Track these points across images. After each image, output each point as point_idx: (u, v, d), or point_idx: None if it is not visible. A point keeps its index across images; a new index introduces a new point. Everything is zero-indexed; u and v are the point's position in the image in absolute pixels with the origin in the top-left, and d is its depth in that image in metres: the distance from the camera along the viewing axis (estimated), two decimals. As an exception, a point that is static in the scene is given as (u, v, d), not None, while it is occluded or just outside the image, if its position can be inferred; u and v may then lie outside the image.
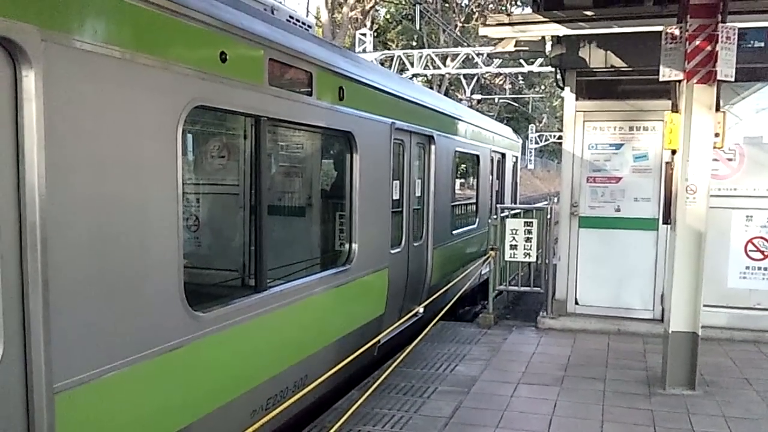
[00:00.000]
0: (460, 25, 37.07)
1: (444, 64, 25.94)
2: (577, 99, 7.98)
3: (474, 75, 27.66)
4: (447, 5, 37.86)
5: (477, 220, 10.44)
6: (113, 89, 3.03)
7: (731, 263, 7.52)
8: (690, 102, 5.48)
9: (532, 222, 8.35)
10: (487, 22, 7.43)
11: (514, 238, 8.34)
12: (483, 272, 9.92)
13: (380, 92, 6.30)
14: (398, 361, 5.83)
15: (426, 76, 27.87)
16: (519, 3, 35.81)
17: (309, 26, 5.79)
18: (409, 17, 34.55)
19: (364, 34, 24.74)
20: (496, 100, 42.16)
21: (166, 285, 3.44)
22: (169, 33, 3.41)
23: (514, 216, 8.66)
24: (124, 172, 3.12)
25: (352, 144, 5.69)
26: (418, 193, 7.69)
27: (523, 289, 9.55)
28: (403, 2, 35.61)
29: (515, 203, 13.34)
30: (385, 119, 6.40)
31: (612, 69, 7.76)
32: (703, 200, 5.54)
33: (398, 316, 7.04)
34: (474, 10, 38.68)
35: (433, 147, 7.89)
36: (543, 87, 49.50)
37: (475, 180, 10.73)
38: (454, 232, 9.12)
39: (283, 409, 3.95)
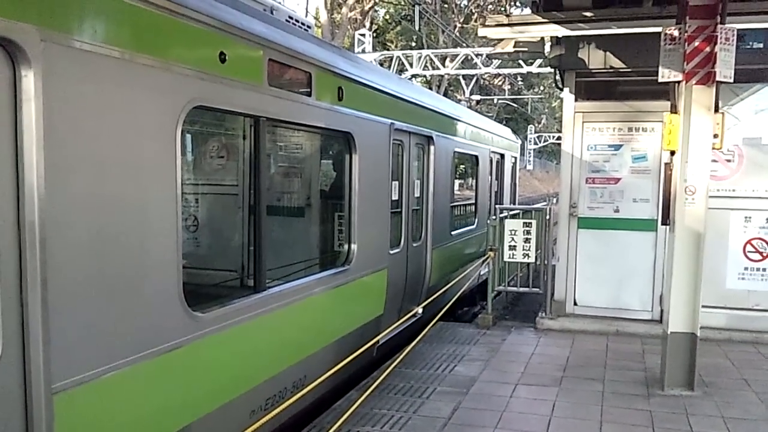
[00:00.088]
0: (459, 25, 37.12)
1: (443, 64, 25.96)
2: (576, 100, 7.99)
3: (473, 76, 27.72)
4: (446, 6, 37.90)
5: (476, 220, 10.44)
6: (112, 89, 3.03)
7: (730, 264, 7.53)
8: (689, 103, 5.48)
9: (531, 223, 8.35)
10: (487, 23, 7.44)
11: (513, 239, 8.34)
12: (482, 273, 9.92)
13: (379, 93, 6.30)
14: (397, 361, 5.83)
15: (425, 76, 27.92)
16: (518, 4, 35.86)
17: (308, 27, 5.79)
18: (409, 18, 34.57)
19: (363, 35, 24.77)
20: (495, 101, 42.21)
21: (165, 285, 3.44)
22: (169, 33, 3.41)
23: (513, 217, 8.66)
24: (123, 172, 3.12)
25: (351, 144, 5.70)
26: (417, 194, 7.69)
27: (522, 289, 9.55)
28: (403, 3, 35.63)
29: (514, 204, 13.35)
30: (385, 120, 6.40)
31: (611, 70, 7.77)
32: (702, 201, 5.55)
33: (397, 316, 7.04)
34: (473, 10, 38.72)
35: (432, 147, 7.89)
36: (542, 88, 49.54)
37: (474, 181, 10.73)
38: (453, 232, 9.13)
39: (282, 409, 3.94)
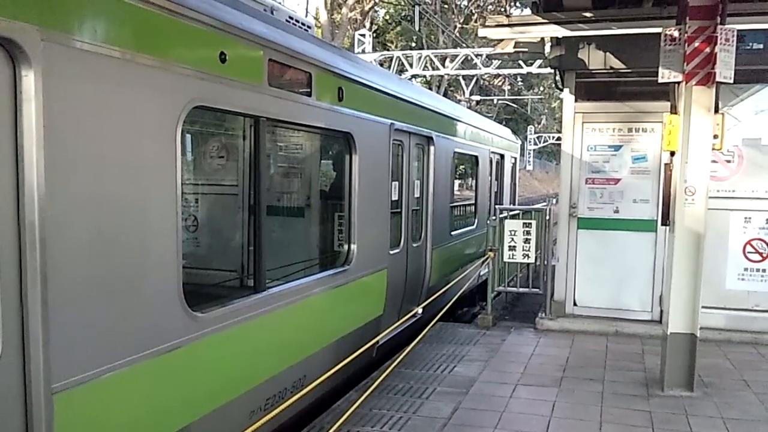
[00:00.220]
0: (459, 26, 37.13)
1: (443, 65, 25.97)
2: (576, 100, 7.99)
3: (473, 76, 27.73)
4: (446, 6, 37.90)
5: (476, 221, 10.44)
6: (113, 89, 3.03)
7: (729, 265, 7.53)
8: (689, 103, 5.48)
9: (530, 223, 8.35)
10: (487, 23, 7.44)
11: (512, 239, 8.34)
12: (482, 273, 9.92)
13: (379, 93, 6.30)
14: (397, 361, 5.83)
15: (425, 76, 27.92)
16: (518, 4, 35.88)
17: (308, 27, 5.79)
18: (409, 18, 34.57)
19: (363, 35, 24.78)
20: (495, 101, 42.22)
21: (165, 285, 3.44)
22: (169, 33, 3.41)
23: (513, 217, 8.66)
24: (123, 172, 3.12)
25: (351, 145, 5.70)
26: (417, 194, 7.69)
27: (521, 290, 9.54)
28: (403, 3, 35.63)
29: (514, 204, 13.35)
30: (384, 120, 6.40)
31: (611, 70, 7.77)
32: (702, 202, 5.55)
33: (397, 316, 7.04)
34: (473, 11, 38.74)
35: (432, 148, 7.89)
36: (542, 88, 49.53)
37: (474, 181, 10.73)
38: (452, 233, 9.13)
39: (282, 409, 3.94)
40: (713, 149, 5.61)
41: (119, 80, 3.06)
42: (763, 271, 7.47)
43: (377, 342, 6.39)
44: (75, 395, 2.87)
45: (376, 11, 35.50)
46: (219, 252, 5.46)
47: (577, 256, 8.01)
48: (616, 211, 7.90)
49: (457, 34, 33.48)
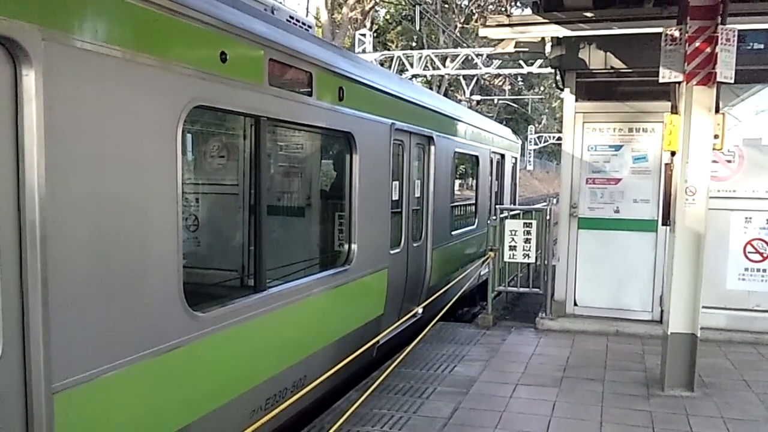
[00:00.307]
0: (459, 25, 37.11)
1: (443, 64, 25.97)
2: (576, 100, 7.99)
3: (473, 76, 27.72)
4: (447, 6, 37.89)
5: (476, 220, 10.44)
6: (113, 89, 3.03)
7: (730, 265, 7.53)
8: (689, 103, 5.48)
9: (531, 223, 8.35)
10: (487, 23, 7.44)
11: (513, 239, 8.34)
12: (482, 273, 9.92)
13: (380, 93, 6.30)
14: (397, 361, 5.83)
15: (425, 76, 27.91)
16: (519, 4, 35.87)
17: (309, 26, 5.79)
18: (409, 18, 34.56)
19: (363, 35, 24.77)
20: (496, 101, 42.20)
21: (165, 285, 3.44)
22: (170, 33, 3.41)
23: (514, 217, 8.66)
24: (124, 171, 3.12)
25: (351, 144, 5.70)
26: (417, 194, 7.69)
27: (522, 290, 9.56)
28: (403, 3, 35.62)
29: (514, 204, 13.34)
30: (385, 120, 6.40)
31: (612, 70, 7.77)
32: (703, 202, 5.54)
33: (397, 316, 7.04)
34: (474, 11, 38.73)
35: (432, 148, 7.89)
36: (542, 88, 49.53)
37: (475, 181, 10.73)
38: (453, 232, 9.12)
39: (282, 409, 3.94)
40: (714, 149, 5.60)
41: (120, 80, 3.06)
42: (764, 271, 7.47)
43: (377, 342, 6.39)
44: (75, 395, 2.87)
45: (376, 11, 35.49)
46: (219, 252, 5.46)
47: (578, 256, 8.01)
48: (617, 211, 7.90)
49: (458, 34, 33.48)
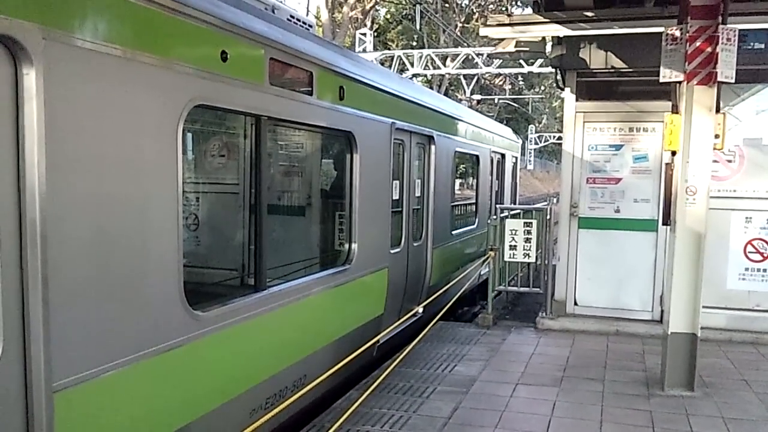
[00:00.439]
0: (460, 25, 37.08)
1: (444, 64, 25.96)
2: (577, 100, 7.99)
3: (474, 75, 27.67)
4: (447, 5, 37.86)
5: (476, 220, 10.44)
6: (114, 88, 3.03)
7: (730, 265, 7.52)
8: (690, 103, 5.48)
9: (531, 222, 8.35)
10: (488, 23, 7.44)
11: (513, 239, 8.34)
12: (482, 272, 9.92)
13: (380, 92, 6.30)
14: (397, 361, 5.83)
15: (426, 76, 27.88)
16: (519, 3, 35.84)
17: (309, 26, 5.79)
18: (410, 17, 34.55)
19: (364, 34, 24.74)
20: (496, 101, 42.16)
21: (165, 284, 3.44)
22: (170, 32, 3.41)
23: (514, 216, 8.66)
24: (124, 170, 3.12)
25: (352, 144, 5.69)
26: (417, 193, 7.69)
27: (522, 289, 9.56)
28: (404, 2, 35.61)
29: (515, 204, 13.34)
30: (386, 119, 6.40)
31: (612, 70, 7.76)
32: (703, 201, 5.54)
33: (397, 316, 7.04)
34: (474, 10, 38.71)
35: (433, 147, 7.89)
36: (543, 88, 49.52)
37: (475, 180, 10.73)
38: (453, 232, 9.12)
39: (282, 408, 3.94)
40: (714, 149, 5.60)
41: (120, 79, 3.06)
42: (764, 270, 7.47)
43: (378, 341, 6.39)
44: (76, 394, 2.87)
45: (377, 10, 35.46)
46: (220, 251, 5.46)
47: (578, 255, 8.01)
48: (617, 211, 7.90)
49: (458, 34, 33.46)
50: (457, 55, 24.75)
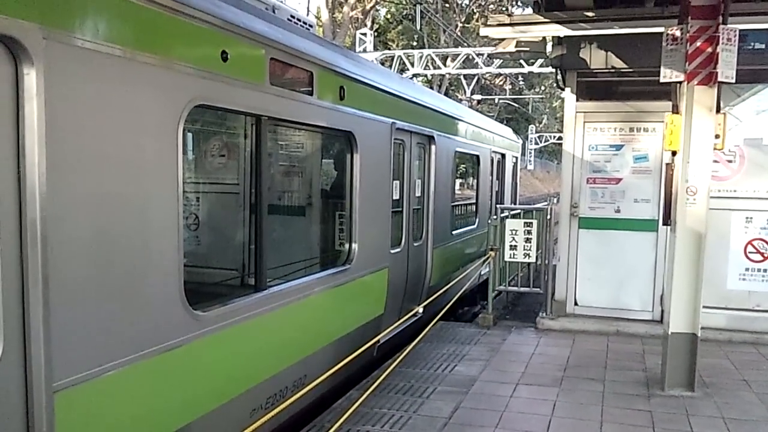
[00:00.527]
0: (460, 25, 37.09)
1: (444, 64, 25.95)
2: (577, 100, 7.99)
3: (474, 75, 27.67)
4: (447, 5, 37.86)
5: (477, 220, 10.44)
6: (114, 88, 3.03)
7: (731, 265, 7.52)
8: (690, 103, 5.48)
9: (531, 223, 8.35)
10: (488, 23, 7.44)
11: (513, 239, 8.34)
12: (482, 272, 9.92)
13: (381, 92, 6.30)
14: (398, 361, 5.83)
15: (426, 76, 27.88)
16: (520, 3, 35.84)
17: (310, 26, 5.79)
18: (410, 17, 34.55)
19: (364, 34, 24.72)
20: (496, 101, 42.17)
21: (166, 284, 3.44)
22: (171, 32, 3.41)
23: (514, 216, 8.66)
24: (124, 170, 3.12)
25: (352, 144, 5.69)
26: (418, 193, 7.69)
27: (522, 289, 9.55)
28: (404, 2, 35.61)
29: (515, 204, 13.35)
30: (386, 119, 6.40)
31: (613, 70, 7.76)
32: (703, 202, 5.54)
33: (398, 316, 7.04)
34: (475, 10, 38.71)
35: (433, 147, 7.89)
36: (543, 88, 49.51)
37: (475, 180, 10.73)
38: (453, 232, 9.12)
39: (282, 408, 3.95)
40: (715, 149, 5.60)
41: (121, 79, 3.06)
42: (764, 271, 7.47)
43: (378, 341, 6.39)
44: (76, 393, 2.87)
45: (377, 10, 35.46)
46: (220, 251, 5.46)
47: (578, 255, 8.01)
48: (617, 211, 7.89)
49: (459, 34, 33.46)
50: (458, 55, 24.74)
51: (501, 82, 42.54)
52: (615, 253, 7.90)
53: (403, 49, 31.35)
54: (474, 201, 10.70)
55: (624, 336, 7.63)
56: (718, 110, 5.51)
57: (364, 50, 23.62)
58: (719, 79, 5.32)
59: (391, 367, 5.66)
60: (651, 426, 5.02)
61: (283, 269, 5.07)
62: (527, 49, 8.31)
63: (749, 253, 7.49)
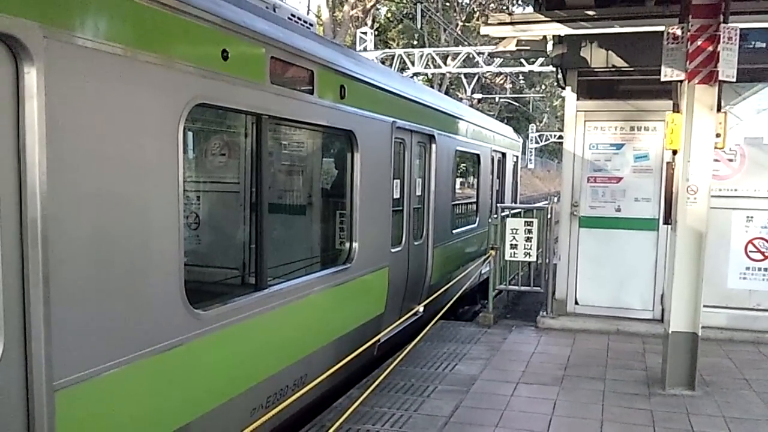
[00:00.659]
0: (461, 24, 37.07)
1: (445, 63, 25.93)
2: (578, 99, 7.98)
3: (475, 74, 27.64)
4: (448, 4, 37.85)
5: (477, 219, 10.44)
6: (115, 87, 3.03)
7: (731, 264, 7.52)
8: (691, 102, 5.47)
9: (532, 221, 8.35)
10: (489, 22, 7.43)
11: (514, 238, 8.34)
12: (483, 271, 9.92)
13: (381, 91, 6.30)
14: (398, 360, 5.83)
15: (427, 75, 27.86)
16: (520, 2, 35.83)
17: (310, 24, 5.79)
18: (410, 16, 34.52)
19: (365, 33, 24.71)
20: (497, 100, 42.15)
21: (166, 283, 3.44)
22: (171, 30, 3.41)
23: (515, 215, 8.66)
24: (125, 169, 3.12)
25: (353, 143, 5.69)
26: (418, 192, 7.69)
27: (523, 288, 9.55)
28: (404, 1, 35.59)
29: (515, 203, 13.34)
30: (386, 118, 6.40)
31: (613, 69, 7.76)
32: (704, 201, 5.54)
33: (398, 315, 7.04)
34: (475, 9, 38.67)
35: (433, 146, 7.89)
36: (543, 86, 49.48)
37: (476, 179, 10.73)
38: (454, 231, 9.12)
39: (283, 407, 3.95)
40: (715, 148, 5.60)
41: (121, 77, 3.06)
42: (765, 270, 7.46)
43: (378, 340, 6.39)
44: (77, 392, 2.87)
45: (377, 9, 35.42)
46: (220, 250, 5.46)
47: (579, 254, 8.01)
48: (618, 210, 7.89)
49: (459, 32, 33.44)
50: (458, 54, 24.72)
51: (501, 81, 42.51)
52: (615, 252, 7.90)
53: (403, 47, 31.35)
54: (474, 200, 10.70)
55: (624, 335, 7.62)
56: (718, 109, 5.51)
57: (365, 49, 23.62)
58: (720, 78, 5.31)
59: (392, 366, 5.66)
60: (651, 425, 5.02)
61: (284, 268, 5.07)
62: (528, 47, 8.31)
63: (750, 252, 7.49)
